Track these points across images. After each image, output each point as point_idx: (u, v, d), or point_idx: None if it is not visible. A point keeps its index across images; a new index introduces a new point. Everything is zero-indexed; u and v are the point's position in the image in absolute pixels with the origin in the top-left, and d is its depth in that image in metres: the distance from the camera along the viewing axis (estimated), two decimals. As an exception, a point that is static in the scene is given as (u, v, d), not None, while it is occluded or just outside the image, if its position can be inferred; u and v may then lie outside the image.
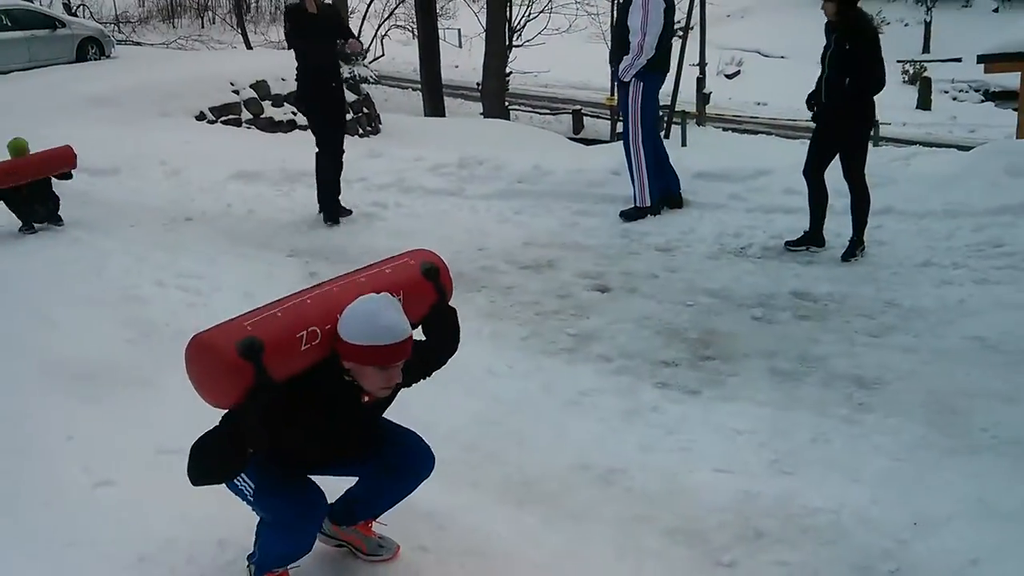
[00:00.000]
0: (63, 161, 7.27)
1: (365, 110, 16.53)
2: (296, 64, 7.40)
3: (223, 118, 13.45)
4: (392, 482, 2.84)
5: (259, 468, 2.55)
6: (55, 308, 5.55)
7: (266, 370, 2.25)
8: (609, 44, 21.21)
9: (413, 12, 23.52)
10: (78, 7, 29.61)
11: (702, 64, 19.86)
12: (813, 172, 6.10)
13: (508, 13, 21.75)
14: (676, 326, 4.99)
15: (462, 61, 30.16)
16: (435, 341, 2.82)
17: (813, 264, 5.89)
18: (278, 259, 6.43)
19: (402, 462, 2.82)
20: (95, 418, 4.13)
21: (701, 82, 20.58)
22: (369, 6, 25.95)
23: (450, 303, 2.83)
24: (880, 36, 6.00)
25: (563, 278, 5.83)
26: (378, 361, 2.37)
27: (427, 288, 2.71)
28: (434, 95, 19.37)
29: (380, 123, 16.74)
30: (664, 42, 6.73)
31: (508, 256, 6.17)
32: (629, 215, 6.96)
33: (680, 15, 20.02)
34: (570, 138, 17.51)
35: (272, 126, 14.02)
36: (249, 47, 27.99)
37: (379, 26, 26.13)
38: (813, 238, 6.13)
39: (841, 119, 5.83)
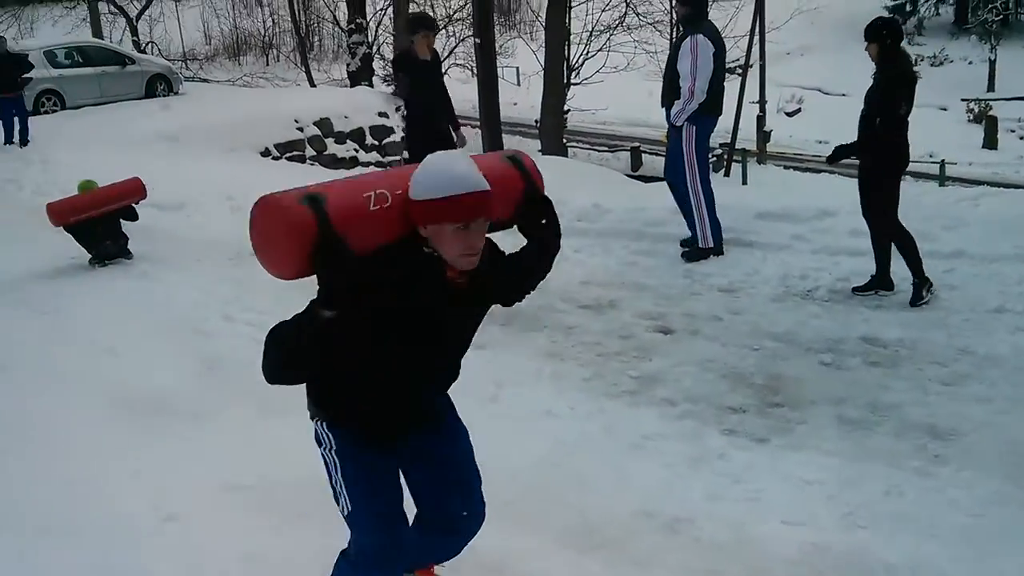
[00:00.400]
0: (133, 192, 7.44)
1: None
2: (406, 115, 7.26)
3: (288, 154, 13.76)
4: (439, 537, 2.75)
5: (346, 448, 2.46)
6: (123, 341, 5.68)
7: (331, 224, 2.08)
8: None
9: (472, 51, 23.80)
10: (147, 44, 30.59)
11: (762, 102, 19.78)
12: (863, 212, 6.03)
13: (566, 52, 21.88)
14: (741, 370, 4.91)
15: (520, 99, 30.38)
16: (533, 243, 2.52)
17: (882, 308, 5.76)
18: (340, 295, 6.47)
19: (447, 514, 2.68)
20: (161, 452, 4.18)
21: (761, 120, 20.48)
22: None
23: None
24: (918, 78, 5.94)
25: (624, 319, 5.78)
26: (454, 215, 2.13)
27: (512, 175, 2.44)
28: (493, 133, 19.48)
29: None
30: (715, 85, 6.74)
31: (566, 295, 6.14)
32: (691, 256, 6.94)
33: (740, 52, 20.05)
34: (628, 175, 17.45)
35: (335, 163, 14.30)
36: (312, 85, 28.57)
37: (442, 63, 26.50)
38: (880, 281, 6.01)
39: (861, 156, 5.92)
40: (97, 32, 29.37)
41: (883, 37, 5.69)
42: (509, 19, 38.04)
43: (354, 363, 2.28)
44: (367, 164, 14.86)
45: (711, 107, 6.83)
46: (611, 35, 23.36)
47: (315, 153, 14.36)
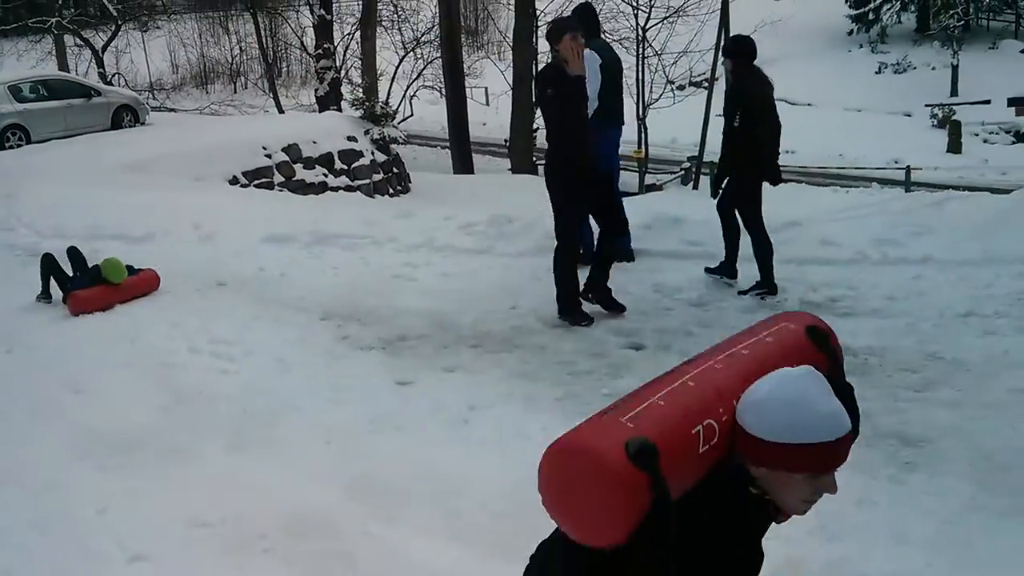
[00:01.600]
0: (149, 286, 7.32)
1: (395, 170, 16.72)
2: (554, 150, 6.15)
3: (256, 181, 13.65)
4: None
5: None
6: (88, 376, 5.58)
7: (666, 488, 1.58)
8: (634, 99, 21.30)
9: (441, 73, 23.85)
10: (114, 75, 30.40)
11: (728, 114, 19.87)
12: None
13: (533, 71, 21.97)
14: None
15: (489, 119, 30.48)
16: None
17: (851, 316, 5.79)
18: (311, 322, 6.43)
19: None
20: (128, 489, 4.11)
21: (728, 132, 20.59)
22: (397, 68, 26.37)
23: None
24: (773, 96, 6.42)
25: (596, 335, 5.77)
26: (815, 466, 1.68)
27: (818, 358, 1.95)
28: (463, 153, 19.58)
29: (410, 182, 16.91)
30: (608, 98, 6.84)
31: (540, 314, 6.12)
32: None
33: (705, 67, 20.22)
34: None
35: (304, 188, 14.21)
36: (281, 111, 28.51)
37: (408, 87, 26.51)
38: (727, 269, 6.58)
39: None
40: (63, 65, 29.24)
41: (734, 55, 6.38)
42: (476, 39, 38.22)
43: None
44: (336, 189, 14.78)
45: (608, 118, 6.90)
46: (578, 52, 23.44)
47: (283, 179, 14.26)
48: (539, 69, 8.55)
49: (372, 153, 15.99)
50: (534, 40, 20.81)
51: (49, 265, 7.27)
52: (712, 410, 1.70)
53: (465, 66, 21.98)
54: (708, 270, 6.72)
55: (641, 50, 21.83)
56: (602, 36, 7.66)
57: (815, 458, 1.66)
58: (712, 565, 1.68)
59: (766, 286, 6.34)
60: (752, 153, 6.23)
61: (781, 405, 1.66)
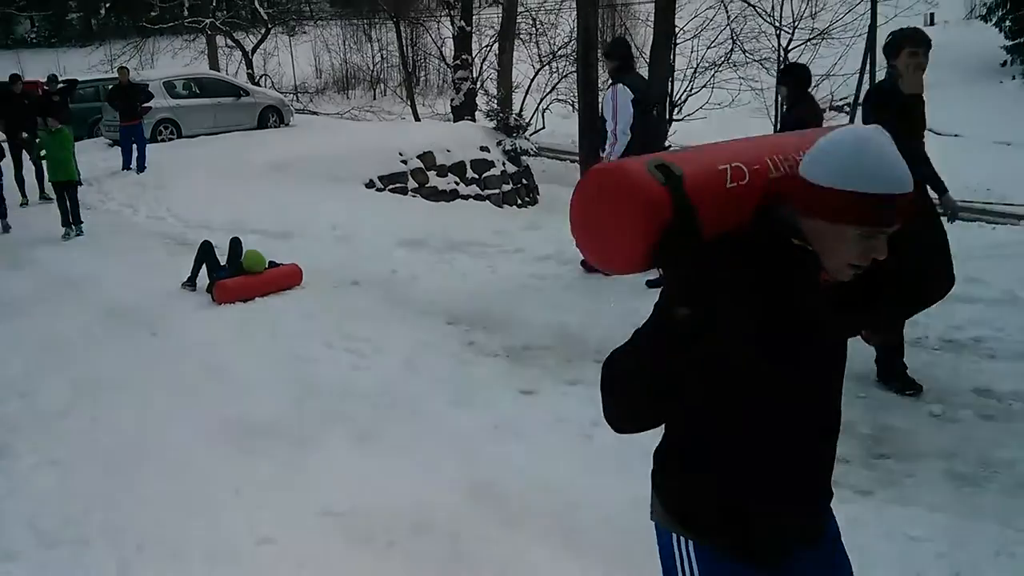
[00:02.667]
0: (293, 277, 7.64)
1: (524, 181, 16.87)
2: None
3: (391, 186, 14.03)
4: None
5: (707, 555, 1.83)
6: (228, 363, 5.87)
7: (688, 201, 1.63)
8: (773, 120, 20.88)
9: (575, 87, 23.91)
10: (261, 77, 31.76)
11: (870, 142, 19.22)
12: None
13: (669, 87, 21.79)
14: (846, 419, 4.70)
15: (621, 134, 30.31)
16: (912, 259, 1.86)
17: (996, 359, 5.50)
18: (439, 326, 6.55)
19: None
20: (261, 474, 4.29)
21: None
22: (532, 80, 26.61)
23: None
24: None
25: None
26: (868, 219, 1.60)
27: None
28: (592, 167, 19.55)
29: (538, 194, 17.03)
30: (640, 129, 7.11)
31: (667, 334, 6.05)
32: (653, 283, 7.05)
33: (848, 91, 19.60)
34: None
35: (436, 195, 14.51)
36: (417, 119, 29.15)
37: (541, 99, 26.70)
38: None
39: None
40: (214, 64, 30.73)
41: (792, 82, 6.31)
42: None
43: (726, 409, 1.73)
44: (467, 197, 15.04)
45: (639, 149, 6.92)
46: (716, 71, 23.15)
47: (417, 185, 14.61)
48: (872, 85, 8.37)
49: (503, 164, 16.20)
50: (671, 57, 20.64)
51: (206, 252, 7.67)
52: (741, 156, 1.75)
53: (600, 81, 21.96)
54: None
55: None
56: (636, 70, 7.94)
57: (868, 209, 1.60)
58: (749, 310, 1.64)
59: None
60: None
61: (843, 150, 1.62)
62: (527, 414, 4.88)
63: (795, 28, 21.19)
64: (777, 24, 21.24)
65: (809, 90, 6.47)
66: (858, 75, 18.73)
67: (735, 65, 22.72)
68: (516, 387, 5.26)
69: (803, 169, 1.67)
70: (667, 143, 21.24)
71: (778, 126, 6.52)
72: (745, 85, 22.76)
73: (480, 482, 4.16)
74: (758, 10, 21.06)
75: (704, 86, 23.41)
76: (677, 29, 21.04)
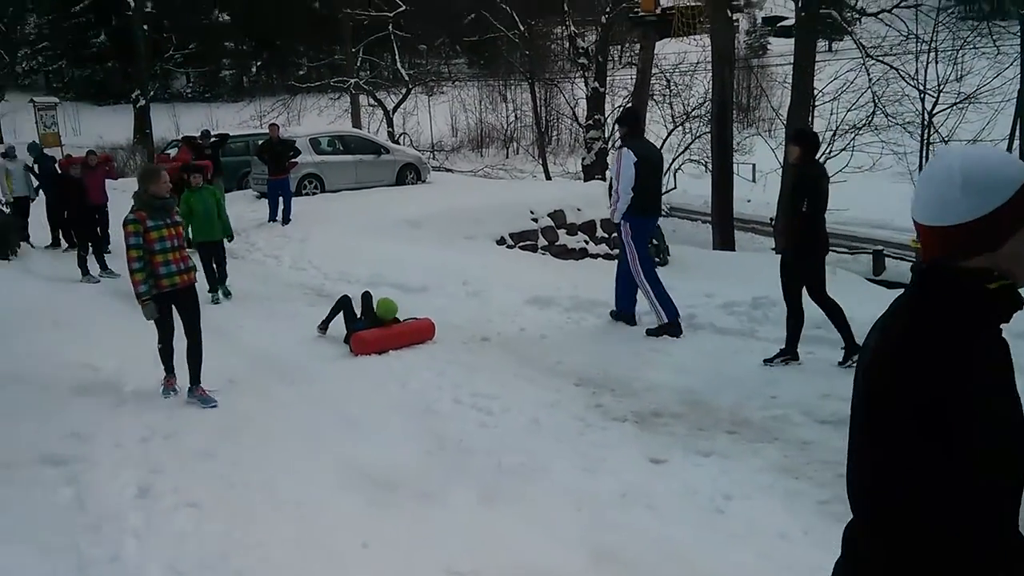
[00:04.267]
0: (425, 334, 7.82)
1: (654, 242, 16.74)
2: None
3: (521, 243, 14.18)
4: None
5: None
6: (360, 412, 5.99)
7: None
8: (915, 184, 20.18)
9: (708, 147, 23.77)
10: (401, 135, 32.90)
11: None
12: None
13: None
14: None
15: (755, 196, 29.90)
16: None
17: None
18: (566, 387, 6.52)
19: None
20: (387, 527, 4.32)
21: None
22: (665, 140, 26.59)
23: None
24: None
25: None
26: None
27: None
28: (725, 229, 19.28)
29: (669, 254, 16.86)
30: (642, 189, 7.68)
31: (804, 407, 5.83)
32: (653, 332, 7.75)
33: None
34: (869, 279, 16.61)
35: (565, 253, 14.59)
36: (548, 177, 29.57)
37: (673, 160, 26.64)
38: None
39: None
40: (357, 122, 32.04)
41: (803, 144, 6.72)
42: (748, 116, 37.79)
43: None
44: (596, 256, 15.05)
45: (641, 208, 7.77)
46: (856, 135, 22.57)
47: (547, 243, 14.72)
48: None
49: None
50: (810, 119, 20.26)
51: (344, 305, 7.93)
52: None
53: (734, 142, 21.76)
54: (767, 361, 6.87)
55: (927, 136, 20.67)
56: (643, 136, 8.76)
57: None
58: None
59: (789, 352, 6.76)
60: (818, 234, 6.74)
61: (984, 168, 1.55)
62: (656, 483, 4.75)
63: (940, 92, 20.49)
64: (921, 87, 20.59)
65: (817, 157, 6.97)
66: (1007, 141, 17.89)
67: (876, 128, 22.11)
68: (645, 454, 5.15)
69: (959, 215, 1.58)
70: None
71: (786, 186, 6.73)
72: (887, 149, 22.10)
73: (606, 549, 4.07)
74: (901, 73, 20.49)
75: (843, 149, 22.84)
76: (816, 91, 20.68)
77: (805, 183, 6.70)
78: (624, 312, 8.16)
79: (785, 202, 6.96)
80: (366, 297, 8.11)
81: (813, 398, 5.95)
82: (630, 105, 8.71)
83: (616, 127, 8.64)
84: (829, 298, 6.77)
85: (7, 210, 12.75)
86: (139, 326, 6.28)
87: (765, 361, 6.82)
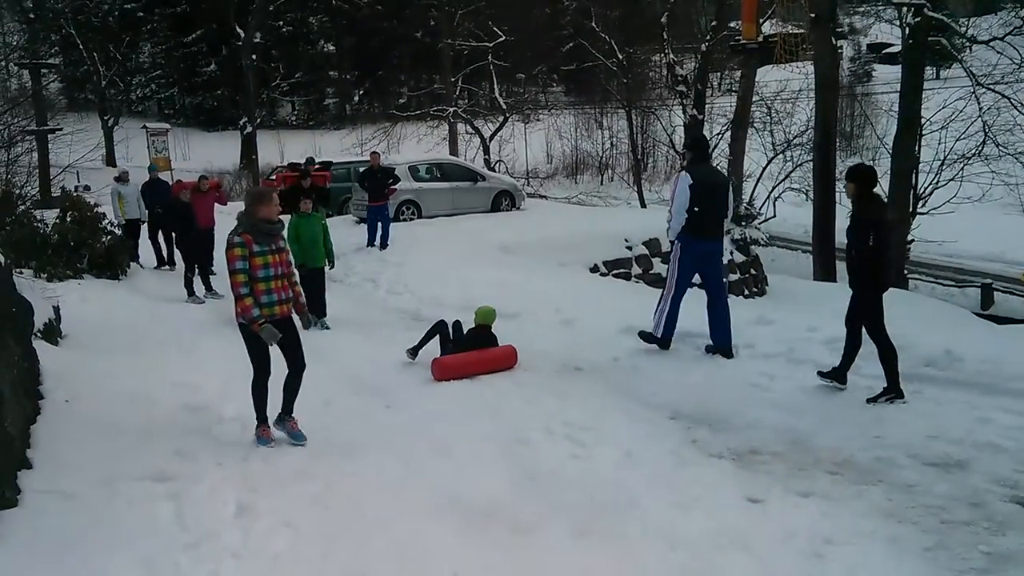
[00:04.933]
0: (507, 362, 7.85)
1: (752, 271, 16.46)
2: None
3: (614, 271, 14.11)
4: None
5: None
6: (452, 440, 5.99)
7: None
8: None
9: (809, 175, 23.24)
10: (497, 163, 33.22)
11: None
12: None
13: (914, 180, 20.69)
14: None
15: (857, 226, 29.06)
16: None
17: None
18: (660, 420, 6.42)
19: None
20: (478, 559, 4.31)
21: None
22: (765, 168, 26.13)
23: None
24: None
25: (975, 483, 5.14)
26: None
27: None
28: (826, 259, 18.75)
29: (767, 284, 16.54)
30: (694, 212, 7.92)
31: (909, 449, 5.59)
32: (645, 337, 8.27)
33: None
34: (977, 314, 15.93)
35: (660, 282, 14.38)
36: (643, 205, 29.39)
37: (773, 188, 26.16)
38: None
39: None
40: (454, 149, 32.52)
41: (859, 182, 6.70)
42: (852, 144, 36.89)
43: None
44: (691, 285, 14.82)
45: (693, 230, 8.01)
46: (965, 164, 21.78)
47: (640, 272, 14.62)
48: None
49: (731, 252, 15.90)
50: (916, 149, 19.65)
51: (440, 329, 8.03)
52: None
53: (837, 171, 21.23)
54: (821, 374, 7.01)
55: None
56: (708, 162, 8.96)
57: None
58: None
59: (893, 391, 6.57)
60: (882, 271, 6.79)
61: None
62: (754, 524, 4.63)
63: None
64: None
65: (875, 190, 6.85)
66: None
67: (987, 158, 21.32)
68: (742, 493, 5.02)
69: None
70: (910, 238, 20.15)
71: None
72: (998, 179, 21.27)
73: (701, 592, 3.97)
74: (1013, 102, 19.71)
75: (952, 179, 22.08)
76: (923, 119, 20.05)
77: (866, 221, 6.64)
78: (720, 347, 8.08)
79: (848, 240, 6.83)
80: (456, 326, 8.18)
81: (920, 439, 5.71)
82: (698, 134, 9.01)
83: (685, 152, 9.06)
84: (887, 336, 6.70)
85: (119, 232, 13.29)
86: (241, 348, 6.43)
87: (869, 400, 6.58)
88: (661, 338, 8.22)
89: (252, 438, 5.96)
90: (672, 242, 8.26)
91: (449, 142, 33.86)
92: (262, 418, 6.00)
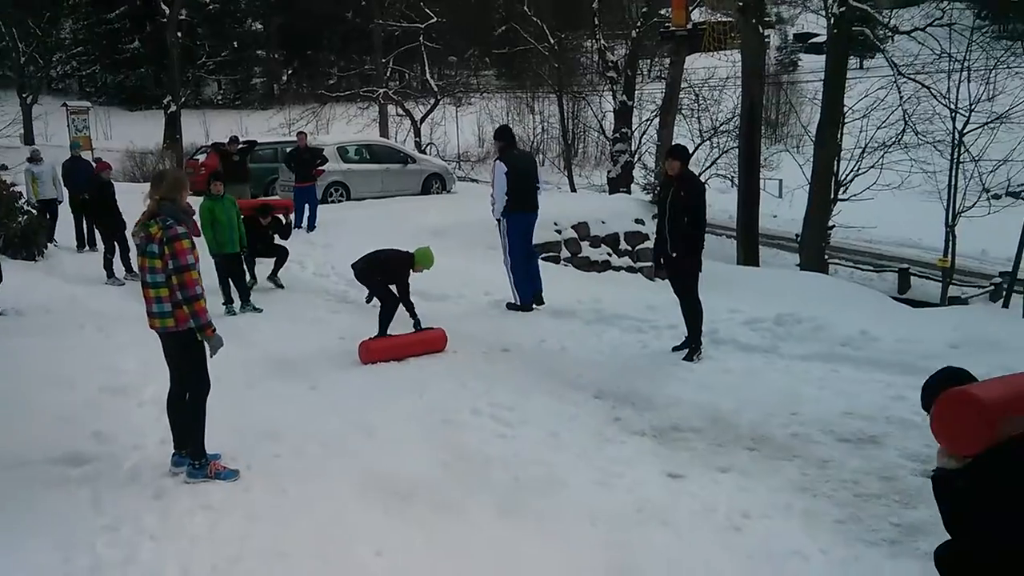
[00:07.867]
0: (433, 345, 7.79)
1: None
2: None
3: (544, 255, 14.11)
4: None
5: None
6: (378, 421, 5.96)
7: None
8: (945, 204, 20.01)
9: (735, 162, 23.67)
10: (427, 145, 33.04)
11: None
12: None
13: (836, 167, 21.21)
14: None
15: (781, 212, 29.75)
16: None
17: None
18: (584, 400, 6.48)
19: None
20: (404, 536, 4.31)
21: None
22: (692, 154, 26.51)
23: None
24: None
25: (887, 457, 5.32)
26: None
27: None
28: (750, 245, 19.16)
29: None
30: (519, 191, 9.33)
31: (825, 426, 5.76)
32: (511, 306, 9.42)
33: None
34: (894, 298, 16.45)
35: (588, 265, 14.55)
36: (573, 189, 29.56)
37: (699, 174, 26.51)
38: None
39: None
40: (384, 131, 32.21)
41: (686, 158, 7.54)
42: (776, 131, 37.61)
43: None
44: (618, 268, 15.01)
45: (517, 206, 9.41)
46: (886, 152, 22.41)
47: (569, 255, 14.70)
48: None
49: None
50: (839, 137, 20.13)
51: (389, 310, 7.94)
52: None
53: (761, 158, 21.64)
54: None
55: (956, 155, 20.51)
56: (516, 149, 10.11)
57: None
58: None
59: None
60: (702, 239, 7.52)
61: None
62: (674, 499, 4.71)
63: (971, 111, 20.33)
64: (953, 106, 20.42)
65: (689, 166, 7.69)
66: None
67: (906, 146, 21.96)
68: (663, 469, 5.11)
69: None
70: (830, 224, 20.68)
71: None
72: (916, 167, 21.93)
73: (621, 566, 4.04)
74: (933, 92, 20.33)
75: (872, 167, 22.69)
76: (846, 108, 20.55)
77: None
78: (537, 293, 9.48)
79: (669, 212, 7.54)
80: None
81: (835, 415, 5.88)
82: (503, 125, 11.09)
83: (494, 141, 10.10)
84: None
85: (35, 212, 12.85)
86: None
87: (674, 349, 7.58)
88: (522, 304, 9.35)
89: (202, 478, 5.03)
90: (498, 220, 9.58)
91: (380, 124, 33.54)
92: (201, 450, 5.01)
